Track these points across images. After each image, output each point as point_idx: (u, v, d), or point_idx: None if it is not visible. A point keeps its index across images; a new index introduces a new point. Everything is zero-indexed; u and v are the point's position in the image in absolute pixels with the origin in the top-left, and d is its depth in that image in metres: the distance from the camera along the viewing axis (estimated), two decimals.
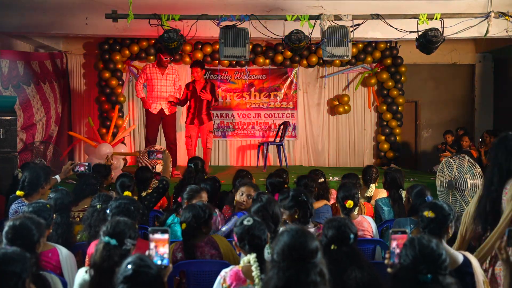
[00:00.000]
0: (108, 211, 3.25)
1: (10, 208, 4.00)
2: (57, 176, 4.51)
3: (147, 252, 2.32)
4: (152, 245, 2.36)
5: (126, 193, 4.29)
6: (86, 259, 3.16)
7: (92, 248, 3.00)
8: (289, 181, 5.33)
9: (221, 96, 9.69)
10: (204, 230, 3.22)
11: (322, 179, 5.07)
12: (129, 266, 1.99)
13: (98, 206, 3.50)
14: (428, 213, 2.91)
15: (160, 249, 2.36)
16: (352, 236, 2.64)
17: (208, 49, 9.15)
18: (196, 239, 3.19)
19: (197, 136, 7.69)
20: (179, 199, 4.14)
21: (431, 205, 2.96)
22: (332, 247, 2.60)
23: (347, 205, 3.81)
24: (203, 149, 7.71)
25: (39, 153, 7.29)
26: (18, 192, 4.03)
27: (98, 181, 4.49)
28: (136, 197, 4.65)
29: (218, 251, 3.19)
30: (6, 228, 2.58)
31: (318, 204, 4.56)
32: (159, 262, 2.33)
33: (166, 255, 2.34)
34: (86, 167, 4.60)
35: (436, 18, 6.02)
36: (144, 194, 4.85)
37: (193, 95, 7.51)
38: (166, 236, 2.37)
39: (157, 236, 2.37)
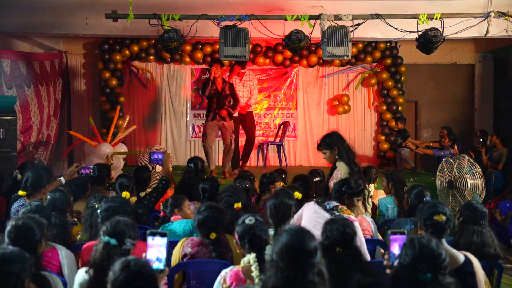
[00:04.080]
0: (98, 212, 3.24)
1: (12, 207, 4.01)
2: (62, 178, 4.51)
3: (144, 254, 2.32)
4: (150, 247, 2.37)
5: (124, 193, 4.28)
6: (79, 260, 3.15)
7: (85, 250, 3.01)
8: (288, 181, 5.33)
9: None
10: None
11: (318, 178, 5.07)
12: (123, 267, 1.99)
13: (96, 206, 3.48)
14: (440, 218, 2.90)
15: (157, 252, 2.37)
16: (355, 237, 2.64)
17: (208, 49, 9.15)
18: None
19: (215, 134, 7.60)
20: (161, 214, 4.12)
21: (441, 209, 2.95)
22: (337, 250, 2.59)
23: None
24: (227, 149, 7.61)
25: (33, 155, 7.26)
26: (21, 192, 4.03)
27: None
28: (135, 197, 4.65)
29: (229, 250, 3.21)
30: (8, 228, 2.58)
31: None
32: (156, 265, 2.33)
33: (163, 258, 2.35)
34: (91, 170, 4.58)
35: (436, 18, 6.02)
36: (142, 194, 4.85)
37: (215, 93, 7.33)
38: (164, 239, 2.38)
39: (155, 239, 2.38)
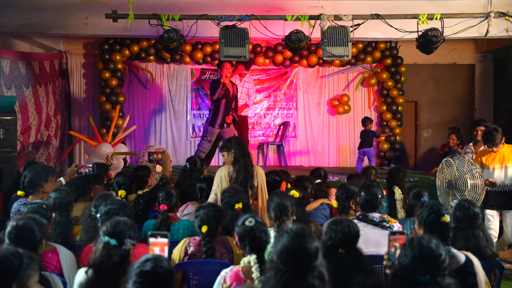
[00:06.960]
0: (98, 216, 3.23)
1: (12, 207, 4.00)
2: (62, 179, 4.51)
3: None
4: (151, 248, 2.37)
5: (121, 191, 4.32)
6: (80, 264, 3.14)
7: (86, 253, 3.01)
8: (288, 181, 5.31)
9: None
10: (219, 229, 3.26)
11: (319, 180, 5.06)
12: (148, 262, 1.99)
13: (92, 213, 3.48)
14: (446, 218, 2.90)
15: (159, 252, 2.37)
16: (358, 238, 2.63)
17: (208, 49, 9.15)
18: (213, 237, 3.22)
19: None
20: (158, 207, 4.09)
21: (443, 210, 2.94)
22: (340, 251, 2.58)
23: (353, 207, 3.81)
24: None
25: (34, 155, 7.26)
26: (19, 192, 4.03)
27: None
28: (134, 195, 4.66)
29: (229, 251, 3.21)
30: (9, 228, 2.58)
31: (315, 204, 4.56)
32: None
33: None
34: (91, 169, 4.57)
35: (436, 18, 6.02)
36: (141, 192, 4.85)
37: (225, 95, 7.25)
38: (165, 240, 2.38)
39: (157, 239, 2.39)
